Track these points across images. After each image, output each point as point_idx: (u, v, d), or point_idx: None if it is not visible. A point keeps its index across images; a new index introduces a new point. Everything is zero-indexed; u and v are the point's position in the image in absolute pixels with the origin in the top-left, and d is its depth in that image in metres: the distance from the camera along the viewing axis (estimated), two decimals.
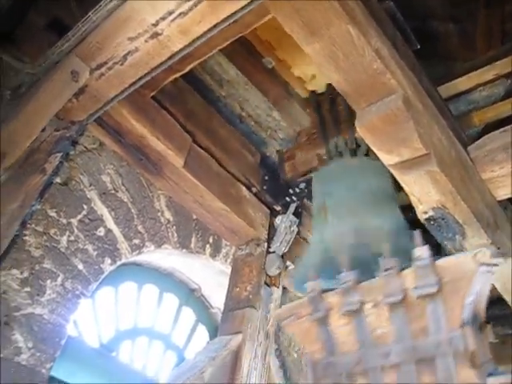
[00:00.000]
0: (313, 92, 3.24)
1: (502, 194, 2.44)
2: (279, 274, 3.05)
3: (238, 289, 2.93)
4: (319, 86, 3.21)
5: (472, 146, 2.42)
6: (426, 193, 2.07)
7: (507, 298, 2.90)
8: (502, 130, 2.37)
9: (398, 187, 2.26)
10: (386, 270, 1.85)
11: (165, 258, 3.55)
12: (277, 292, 3.02)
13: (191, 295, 4.01)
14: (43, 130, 2.31)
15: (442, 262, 1.81)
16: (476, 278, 1.72)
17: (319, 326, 1.99)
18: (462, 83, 2.94)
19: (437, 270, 1.78)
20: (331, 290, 2.03)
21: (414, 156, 1.99)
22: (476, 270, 1.72)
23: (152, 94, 2.75)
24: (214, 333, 3.75)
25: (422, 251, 1.83)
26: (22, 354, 2.47)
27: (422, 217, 2.17)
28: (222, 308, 3.19)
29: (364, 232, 2.38)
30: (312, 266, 2.29)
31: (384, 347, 1.81)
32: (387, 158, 2.06)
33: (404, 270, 1.85)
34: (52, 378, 2.75)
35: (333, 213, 2.60)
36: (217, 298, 3.93)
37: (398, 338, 1.80)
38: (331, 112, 3.06)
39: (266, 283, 2.94)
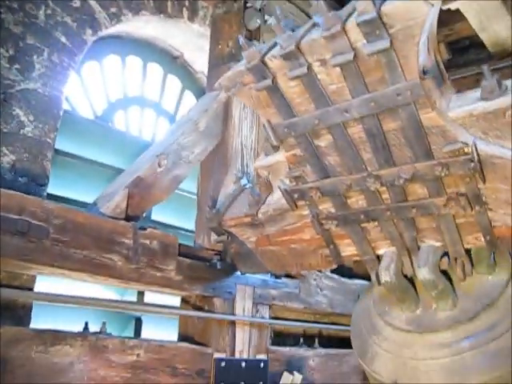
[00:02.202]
0: None
1: None
2: (259, 27, 3.07)
3: (219, 46, 2.98)
4: None
5: None
6: None
7: (483, 36, 2.93)
8: None
9: None
10: (328, 27, 1.50)
11: (144, 26, 3.54)
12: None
13: (174, 63, 4.08)
14: None
15: (390, 8, 1.46)
16: (427, 21, 1.51)
17: (269, 92, 1.72)
18: None
19: (385, 20, 1.46)
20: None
21: None
22: (427, 13, 1.48)
23: None
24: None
25: (365, 4, 1.44)
26: (26, 127, 2.62)
27: None
28: (206, 72, 3.27)
29: None
30: None
31: (342, 103, 1.63)
32: None
33: (348, 25, 1.50)
34: (57, 151, 2.94)
35: None
36: (200, 64, 4.00)
37: (355, 93, 1.60)
38: None
39: (246, 38, 2.98)
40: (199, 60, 3.96)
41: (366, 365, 1.76)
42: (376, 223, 1.77)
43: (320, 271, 3.22)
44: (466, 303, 1.63)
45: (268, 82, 1.66)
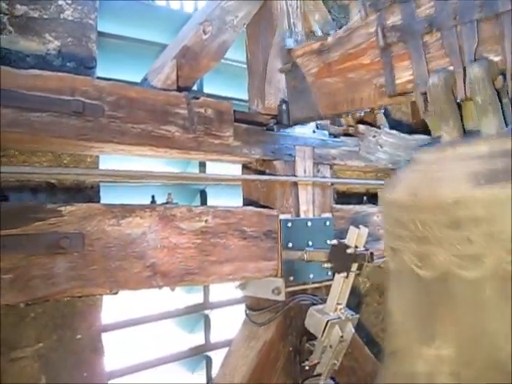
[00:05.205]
0: None
1: None
2: None
3: None
4: None
5: None
6: None
7: None
8: None
9: None
10: None
11: None
12: None
13: None
14: None
15: None
16: None
17: None
18: None
19: None
20: None
21: None
22: None
23: None
24: None
25: None
26: (65, 11, 2.56)
27: None
28: None
29: None
30: None
31: None
32: None
33: None
34: (100, 33, 2.89)
35: None
36: None
37: None
38: None
39: None
40: None
41: (389, 194, 1.65)
42: (438, 35, 1.74)
43: (379, 127, 3.17)
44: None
45: None
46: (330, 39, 2.21)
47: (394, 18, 1.88)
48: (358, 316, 2.47)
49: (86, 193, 2.31)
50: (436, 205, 1.44)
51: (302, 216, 2.58)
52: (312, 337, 2.45)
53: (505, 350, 1.30)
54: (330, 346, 2.35)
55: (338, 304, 2.38)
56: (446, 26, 1.70)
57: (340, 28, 2.25)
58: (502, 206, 1.32)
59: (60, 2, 2.56)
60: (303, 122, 2.55)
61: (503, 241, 1.31)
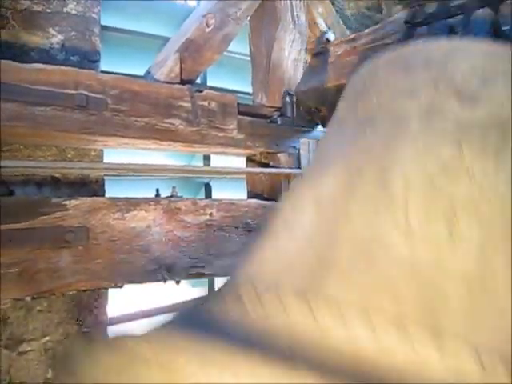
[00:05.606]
0: None
1: None
2: None
3: None
4: None
5: None
6: None
7: None
8: None
9: None
10: None
11: None
12: None
13: None
14: None
15: None
16: None
17: None
18: None
19: None
20: None
21: None
22: None
23: None
24: None
25: None
26: (68, 5, 2.55)
27: None
28: None
29: None
30: None
31: None
32: None
33: None
34: (103, 27, 2.89)
35: None
36: None
37: None
38: None
39: None
40: None
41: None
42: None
43: None
44: None
45: None
46: (366, 30, 2.30)
47: (430, 9, 1.92)
48: None
49: (91, 187, 2.31)
50: (394, 57, 1.36)
51: None
52: None
53: (401, 171, 1.10)
54: None
55: None
56: (470, 10, 1.75)
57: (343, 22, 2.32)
58: (459, 52, 1.24)
59: None
60: (305, 94, 2.55)
61: (449, 84, 1.20)
